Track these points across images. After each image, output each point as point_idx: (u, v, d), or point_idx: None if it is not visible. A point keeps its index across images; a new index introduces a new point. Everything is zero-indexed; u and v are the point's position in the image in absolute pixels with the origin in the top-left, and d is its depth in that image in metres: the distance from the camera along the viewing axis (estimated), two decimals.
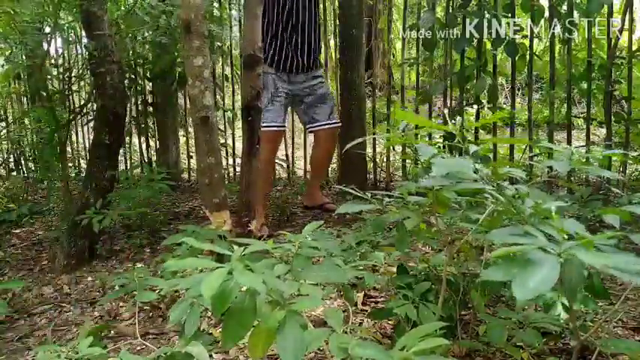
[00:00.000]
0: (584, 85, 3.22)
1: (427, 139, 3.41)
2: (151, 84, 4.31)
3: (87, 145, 4.79)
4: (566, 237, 0.71)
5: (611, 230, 0.82)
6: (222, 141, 4.36)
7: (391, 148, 4.01)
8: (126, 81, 3.34)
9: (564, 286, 0.73)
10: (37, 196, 4.17)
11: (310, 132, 3.18)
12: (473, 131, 3.41)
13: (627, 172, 3.34)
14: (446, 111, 2.79)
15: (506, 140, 3.11)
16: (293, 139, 4.44)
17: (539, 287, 0.56)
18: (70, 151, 4.54)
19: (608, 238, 0.72)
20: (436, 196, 1.09)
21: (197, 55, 1.80)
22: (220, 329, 1.58)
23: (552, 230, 0.73)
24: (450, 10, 3.33)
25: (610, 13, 2.97)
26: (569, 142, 3.26)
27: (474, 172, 0.97)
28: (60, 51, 4.18)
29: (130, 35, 3.46)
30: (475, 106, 3.34)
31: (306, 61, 2.94)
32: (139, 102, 4.45)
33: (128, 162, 4.64)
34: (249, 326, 0.71)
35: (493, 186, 0.95)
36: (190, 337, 0.85)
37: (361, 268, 1.32)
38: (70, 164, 4.55)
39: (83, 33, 3.43)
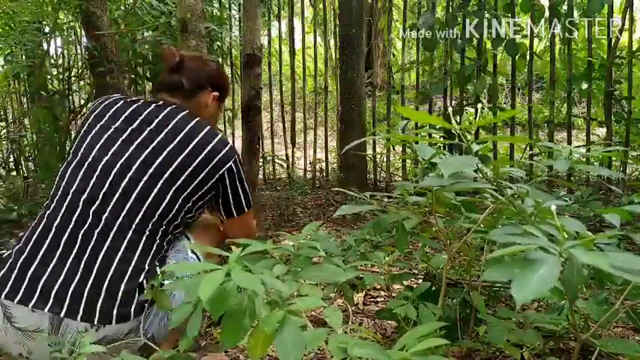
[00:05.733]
0: (585, 85, 3.22)
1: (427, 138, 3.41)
2: (150, 84, 4.31)
3: None
4: (566, 236, 0.71)
5: (611, 230, 0.82)
6: None
7: (391, 148, 4.01)
8: (126, 81, 3.33)
9: (564, 286, 0.73)
10: (37, 196, 4.17)
11: None
12: (473, 131, 3.41)
13: (627, 171, 3.34)
14: (450, 108, 2.82)
15: (507, 138, 3.11)
16: (293, 138, 4.44)
17: (539, 287, 0.56)
18: None
19: (609, 238, 0.71)
20: (436, 196, 1.08)
21: None
22: (220, 329, 1.58)
23: (553, 229, 0.73)
24: (450, 10, 3.33)
25: (610, 13, 2.97)
26: (569, 142, 3.26)
27: (476, 172, 0.96)
28: (60, 51, 4.19)
29: (130, 35, 3.46)
30: (480, 104, 3.34)
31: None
32: None
33: None
34: (248, 327, 0.70)
35: (493, 185, 0.95)
36: (191, 339, 0.84)
37: (361, 267, 1.32)
38: None
39: (83, 33, 3.43)
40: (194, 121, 1.25)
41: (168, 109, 1.26)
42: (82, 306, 1.04)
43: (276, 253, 1.05)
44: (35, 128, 4.11)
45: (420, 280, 1.51)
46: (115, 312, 1.05)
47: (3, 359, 1.18)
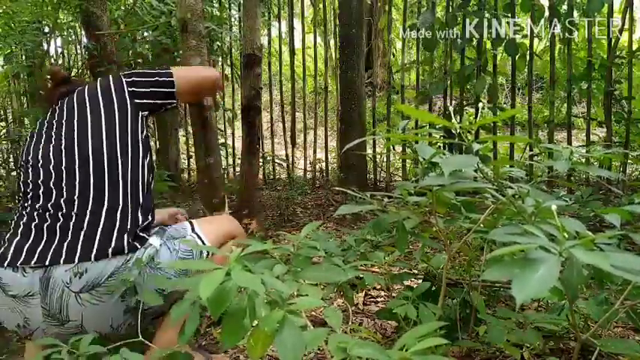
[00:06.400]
0: (585, 85, 3.22)
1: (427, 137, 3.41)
2: None
3: None
4: (567, 236, 0.71)
5: (611, 230, 0.82)
6: (222, 141, 4.37)
7: (391, 148, 4.01)
8: None
9: (564, 286, 0.73)
10: None
11: None
12: (473, 131, 3.41)
13: (627, 171, 3.34)
14: (451, 108, 2.82)
15: (507, 138, 3.11)
16: (293, 138, 4.44)
17: (539, 287, 0.56)
18: None
19: (609, 238, 0.71)
20: (436, 196, 1.08)
21: (194, 54, 1.79)
22: (220, 329, 1.58)
23: (553, 229, 0.73)
24: (450, 10, 3.33)
25: (610, 13, 2.97)
26: (569, 142, 3.26)
27: (476, 171, 0.96)
28: (60, 51, 4.19)
29: (130, 35, 3.46)
30: (480, 104, 3.34)
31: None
32: None
33: None
34: (248, 327, 0.70)
35: (494, 185, 0.95)
36: (189, 337, 0.84)
37: (361, 267, 1.31)
38: None
39: (83, 33, 3.42)
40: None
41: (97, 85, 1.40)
42: (64, 249, 1.12)
43: (276, 253, 1.05)
44: (35, 128, 4.10)
45: (420, 280, 1.51)
46: (94, 249, 1.12)
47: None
